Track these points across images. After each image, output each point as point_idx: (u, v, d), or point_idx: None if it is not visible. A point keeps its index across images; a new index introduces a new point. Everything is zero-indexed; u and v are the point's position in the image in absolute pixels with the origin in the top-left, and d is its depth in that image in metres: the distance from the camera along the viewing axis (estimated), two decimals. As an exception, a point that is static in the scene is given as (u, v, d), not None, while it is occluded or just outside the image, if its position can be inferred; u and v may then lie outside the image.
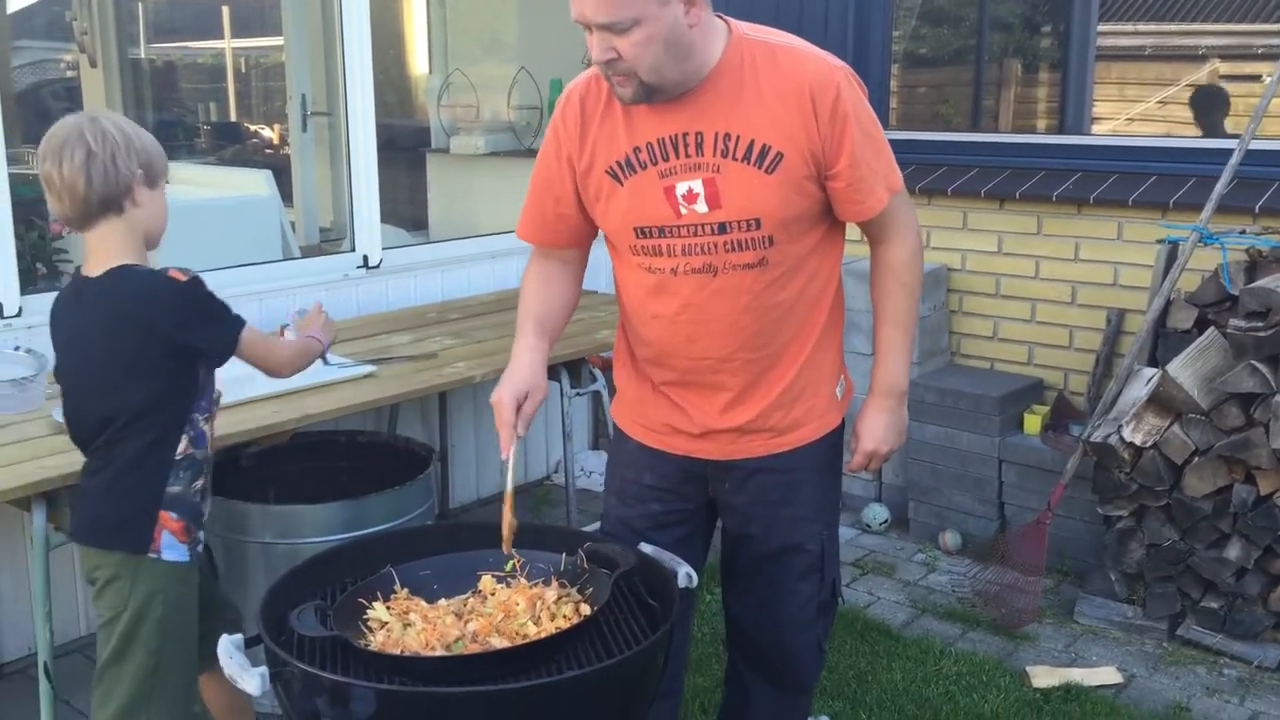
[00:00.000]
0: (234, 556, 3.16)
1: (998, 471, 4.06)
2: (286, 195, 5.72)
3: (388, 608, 2.04)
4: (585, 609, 2.00)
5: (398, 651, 1.89)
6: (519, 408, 2.09)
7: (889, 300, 2.24)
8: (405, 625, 2.00)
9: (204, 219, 4.10)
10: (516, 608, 2.03)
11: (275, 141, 7.78)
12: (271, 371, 2.38)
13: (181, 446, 2.21)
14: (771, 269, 2.11)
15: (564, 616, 1.99)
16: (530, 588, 2.10)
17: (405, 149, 6.22)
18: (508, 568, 2.16)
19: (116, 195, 2.08)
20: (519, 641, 1.91)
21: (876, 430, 2.28)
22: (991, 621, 3.64)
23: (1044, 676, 3.29)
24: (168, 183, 2.21)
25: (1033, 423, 4.06)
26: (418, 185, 6.10)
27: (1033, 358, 4.27)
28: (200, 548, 2.29)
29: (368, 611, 2.02)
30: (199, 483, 2.26)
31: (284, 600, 1.99)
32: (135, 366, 2.13)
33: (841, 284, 2.30)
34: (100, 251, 2.14)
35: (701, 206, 2.06)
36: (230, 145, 8.57)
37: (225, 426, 2.81)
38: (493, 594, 2.10)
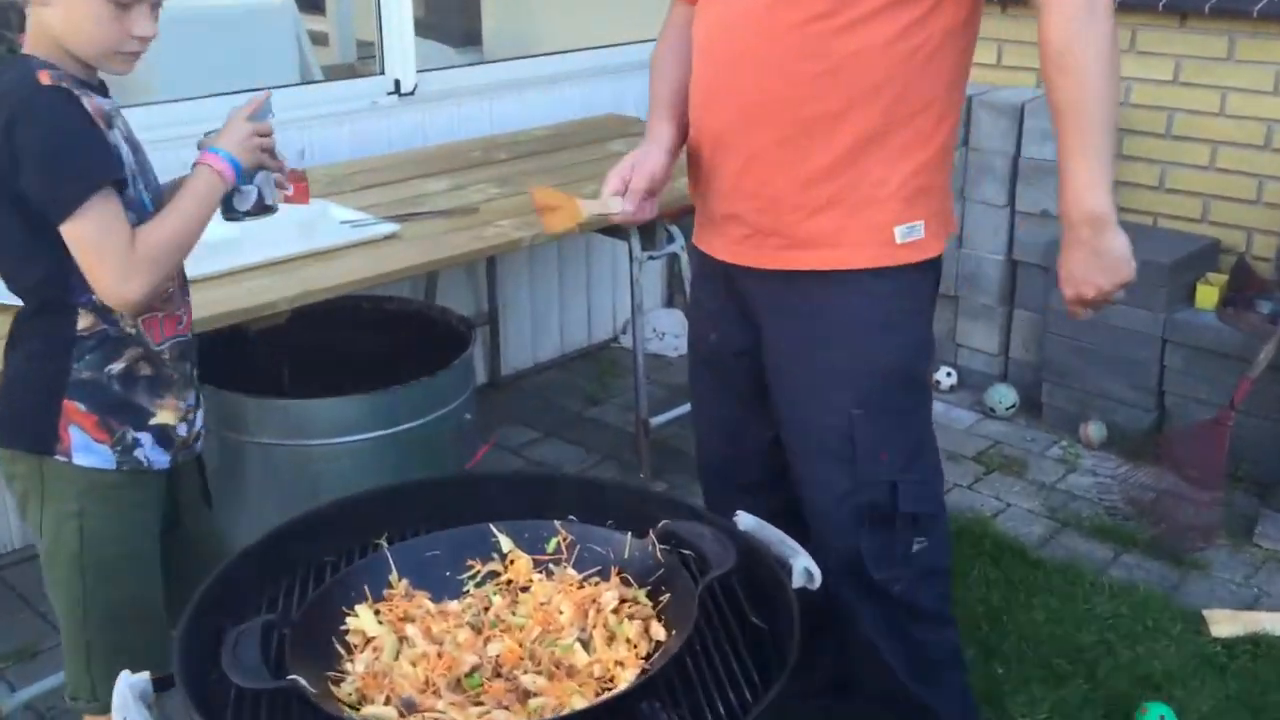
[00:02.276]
0: (228, 460, 2.59)
1: (1159, 353, 3.33)
2: (318, 3, 4.97)
3: (377, 612, 1.43)
4: (658, 629, 1.38)
5: (381, 700, 1.28)
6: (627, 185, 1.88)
7: (1052, 96, 1.70)
8: (401, 640, 1.39)
9: (198, 32, 3.39)
10: (560, 617, 1.42)
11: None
12: (98, 287, 1.58)
13: (85, 322, 1.64)
14: None
15: (627, 641, 1.37)
16: (579, 584, 1.48)
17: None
18: (550, 546, 1.54)
19: None
20: (558, 697, 1.29)
21: (1068, 269, 1.75)
22: (1150, 541, 2.98)
23: (1225, 623, 2.65)
24: None
25: (1208, 295, 3.31)
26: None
27: (1208, 213, 3.48)
28: (148, 456, 1.72)
29: (348, 620, 1.41)
30: (116, 366, 1.67)
31: (223, 605, 1.39)
32: None
33: (958, 86, 1.81)
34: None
35: None
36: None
37: (199, 306, 2.18)
38: (526, 589, 1.48)
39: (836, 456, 1.80)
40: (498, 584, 1.50)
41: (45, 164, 1.50)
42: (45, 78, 1.52)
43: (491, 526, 1.54)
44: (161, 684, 1.27)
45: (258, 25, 3.73)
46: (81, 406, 1.65)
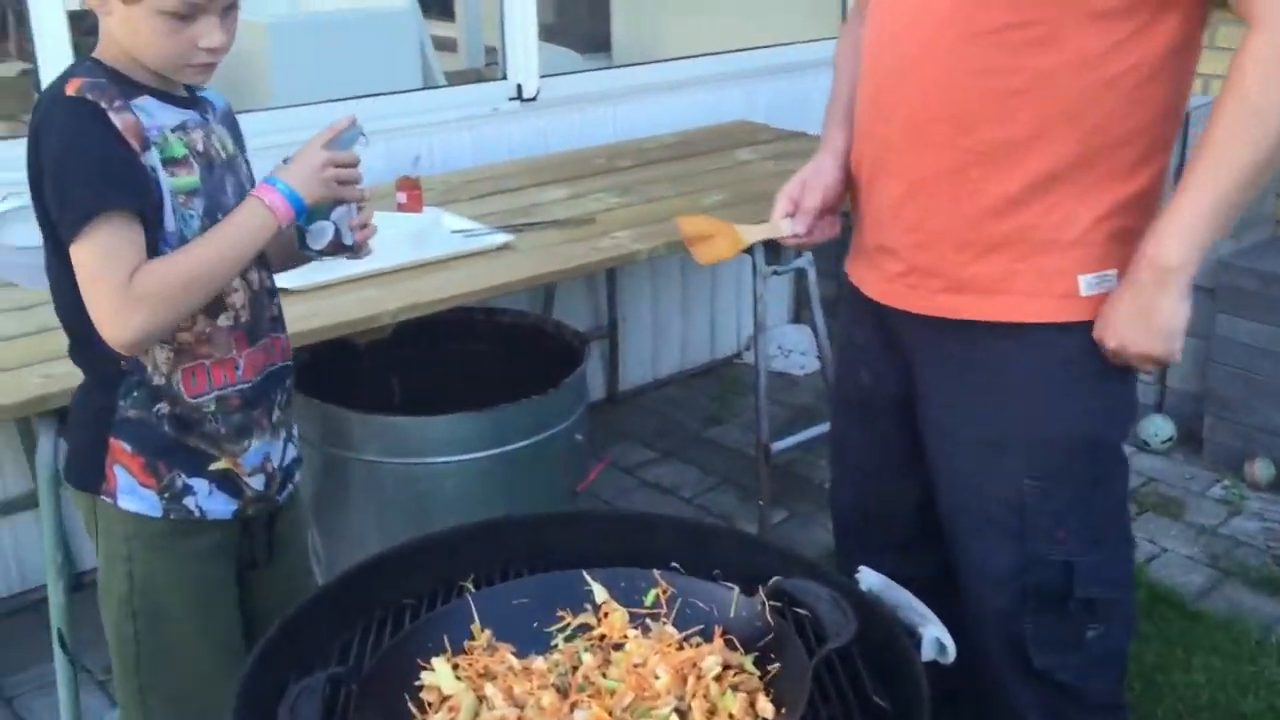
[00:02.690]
0: (332, 477, 2.51)
1: (1338, 387, 3.03)
2: (448, 8, 4.92)
3: (455, 666, 1.30)
4: (765, 706, 1.21)
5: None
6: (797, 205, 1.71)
7: (1212, 114, 1.43)
8: (479, 699, 1.26)
9: (317, 37, 3.35)
10: (655, 682, 1.26)
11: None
12: (94, 322, 1.42)
13: (126, 360, 1.51)
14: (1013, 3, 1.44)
15: (730, 717, 1.20)
16: (679, 645, 1.32)
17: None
18: (648, 599, 1.38)
19: None
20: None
21: (1110, 314, 1.52)
22: (1326, 597, 2.69)
23: None
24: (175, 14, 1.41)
25: (1397, 324, 2.99)
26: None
27: (1395, 232, 3.16)
28: (201, 505, 1.58)
29: (423, 674, 1.28)
30: (161, 407, 1.53)
31: (291, 653, 1.28)
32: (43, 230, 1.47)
33: (1174, 116, 1.54)
34: None
35: None
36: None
37: (299, 319, 2.12)
38: (620, 647, 1.33)
39: (1002, 530, 1.58)
40: (589, 639, 1.35)
41: (56, 180, 1.39)
42: (72, 87, 1.40)
43: (585, 574, 1.40)
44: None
45: (380, 30, 3.68)
46: (127, 447, 1.53)
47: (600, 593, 1.39)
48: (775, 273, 2.84)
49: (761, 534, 2.91)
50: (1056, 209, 1.50)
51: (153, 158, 1.44)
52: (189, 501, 1.56)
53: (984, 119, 1.49)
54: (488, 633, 1.34)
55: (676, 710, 1.22)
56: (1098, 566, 1.59)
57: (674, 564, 1.44)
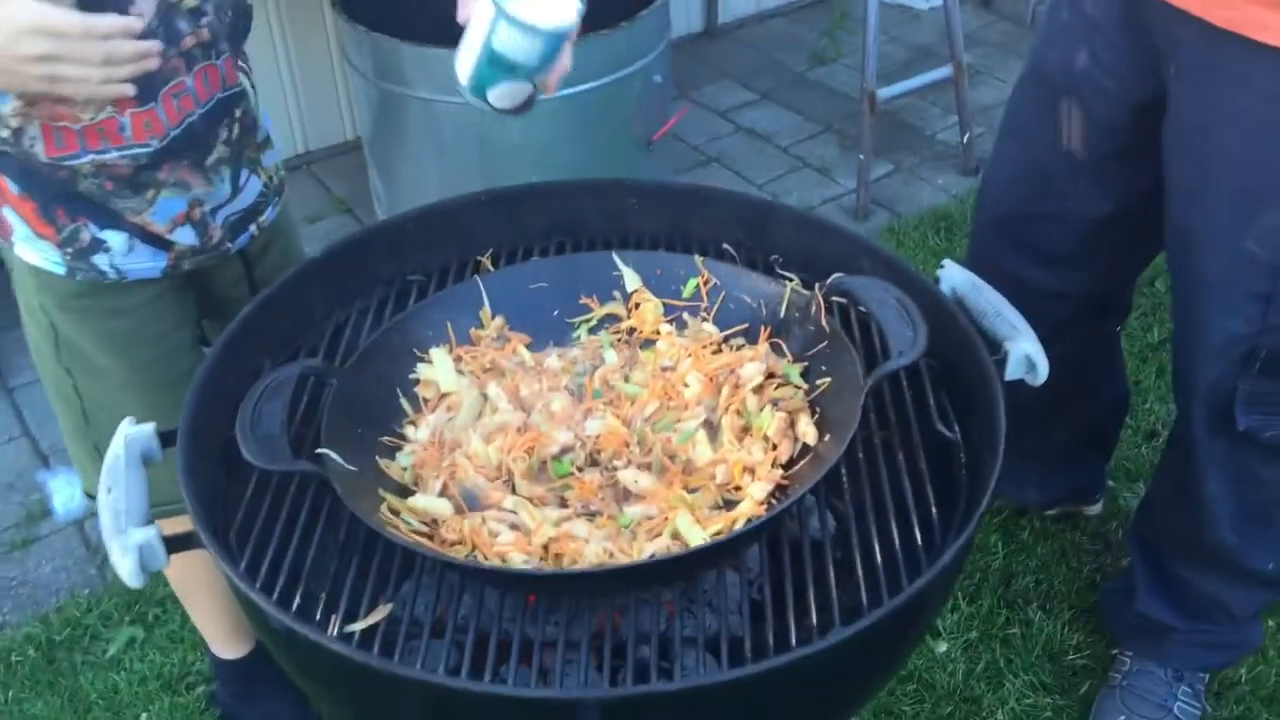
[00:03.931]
0: (386, 115, 2.31)
1: None
2: None
3: (457, 360, 1.13)
4: (807, 428, 1.02)
5: (436, 487, 1.00)
6: None
7: None
8: (484, 397, 1.10)
9: None
10: (685, 390, 1.08)
11: None
12: None
13: None
14: None
15: (765, 439, 1.02)
16: (718, 346, 1.12)
17: None
18: (688, 290, 1.18)
19: None
20: (663, 507, 0.97)
21: None
22: None
23: None
24: None
25: None
26: None
27: None
28: (117, 265, 1.23)
29: (419, 367, 1.12)
30: (35, 145, 1.14)
31: (271, 337, 1.12)
32: None
33: None
34: None
35: None
36: None
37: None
38: (650, 344, 1.15)
39: (1245, 290, 1.29)
40: (615, 332, 1.17)
41: None
42: None
43: (616, 256, 1.19)
44: (166, 439, 1.02)
45: None
46: (14, 187, 1.18)
47: (632, 279, 1.18)
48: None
49: (859, 190, 2.66)
50: None
51: None
52: (100, 260, 1.22)
53: None
54: (499, 320, 1.17)
55: (705, 424, 1.05)
56: None
57: (726, 246, 1.22)
